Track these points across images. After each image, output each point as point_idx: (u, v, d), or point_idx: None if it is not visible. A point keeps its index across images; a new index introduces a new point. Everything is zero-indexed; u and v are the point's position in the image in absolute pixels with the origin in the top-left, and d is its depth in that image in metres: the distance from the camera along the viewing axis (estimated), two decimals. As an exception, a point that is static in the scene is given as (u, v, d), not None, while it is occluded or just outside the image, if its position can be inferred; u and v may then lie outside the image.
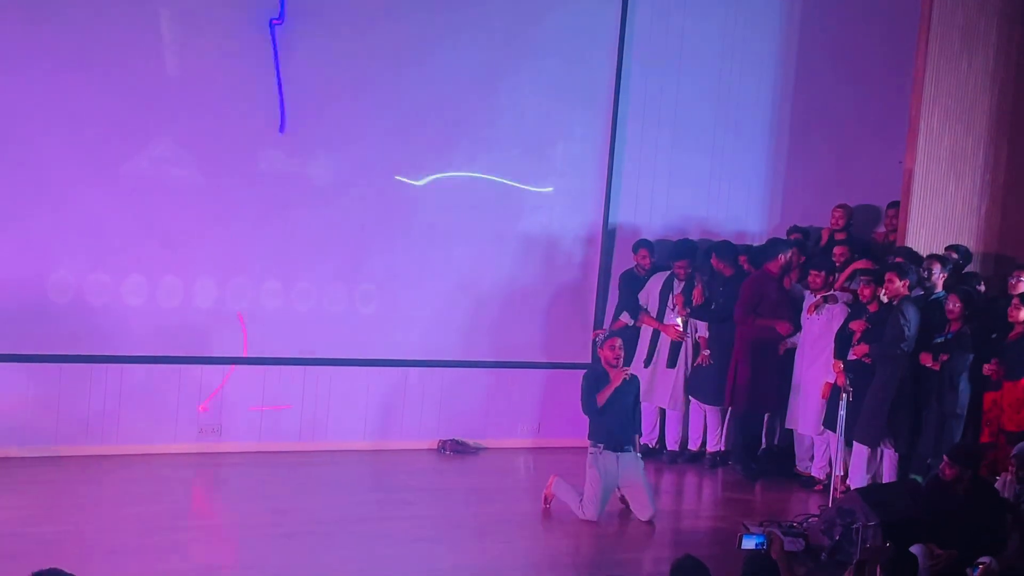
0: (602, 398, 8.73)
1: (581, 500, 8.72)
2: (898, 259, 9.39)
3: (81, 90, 9.10)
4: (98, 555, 7.15)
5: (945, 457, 7.70)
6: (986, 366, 8.63)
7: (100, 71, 9.16)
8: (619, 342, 8.91)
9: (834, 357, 9.49)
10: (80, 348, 9.33)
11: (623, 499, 8.93)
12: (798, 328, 10.01)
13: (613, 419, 8.77)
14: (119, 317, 9.41)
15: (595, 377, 8.90)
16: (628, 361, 10.32)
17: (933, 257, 9.40)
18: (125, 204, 9.35)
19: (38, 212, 9.12)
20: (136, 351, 9.49)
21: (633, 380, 8.93)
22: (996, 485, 7.84)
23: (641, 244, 10.67)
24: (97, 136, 9.21)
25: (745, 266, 10.34)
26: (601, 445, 8.76)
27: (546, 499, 8.90)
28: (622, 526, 8.73)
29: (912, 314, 8.93)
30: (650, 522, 8.69)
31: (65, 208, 9.18)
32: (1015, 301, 8.68)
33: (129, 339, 9.46)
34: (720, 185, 11.22)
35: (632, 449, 8.85)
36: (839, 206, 10.69)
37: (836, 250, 10.15)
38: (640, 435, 9.30)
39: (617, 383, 8.72)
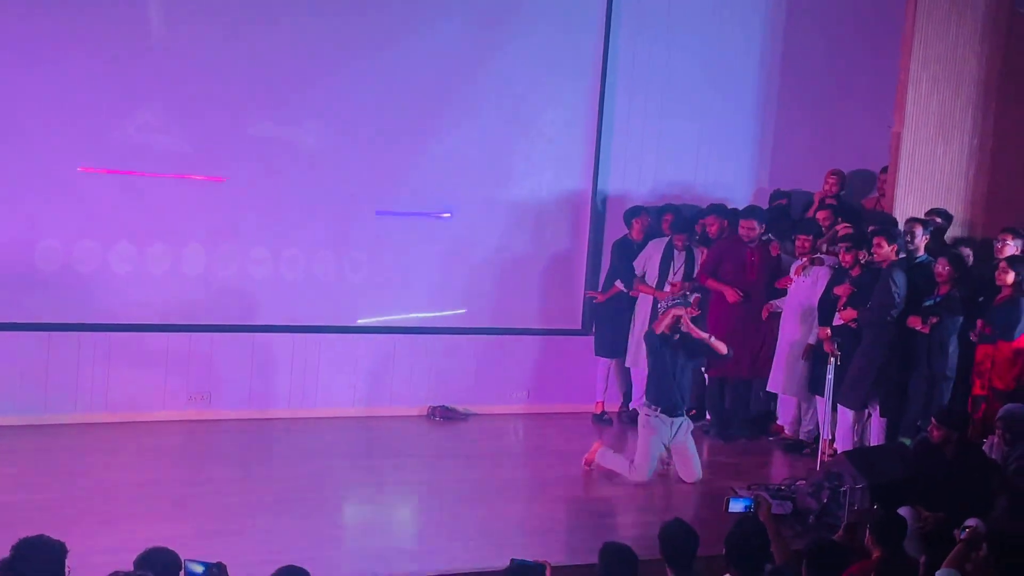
0: (658, 326, 8.84)
1: (632, 463, 8.79)
2: (870, 228, 9.40)
3: (67, 58, 9.04)
4: (87, 523, 7.14)
5: (933, 419, 7.71)
6: (972, 333, 8.65)
7: (87, 38, 9.09)
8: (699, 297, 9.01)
9: (818, 323, 9.49)
10: (68, 316, 9.31)
11: (665, 462, 9.00)
12: (771, 295, 10.00)
13: (674, 384, 8.82)
14: (107, 285, 9.39)
15: (658, 335, 8.94)
16: (626, 328, 10.36)
17: (914, 220, 9.38)
18: (112, 171, 9.28)
19: (25, 180, 9.07)
20: (125, 319, 9.46)
21: (694, 343, 8.92)
22: (983, 447, 7.85)
23: (636, 212, 10.59)
24: (84, 103, 9.15)
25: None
26: (658, 408, 8.82)
27: (587, 462, 8.98)
28: (610, 490, 8.75)
29: (901, 279, 8.93)
30: (694, 484, 8.85)
31: (53, 176, 9.13)
32: (1002, 265, 8.68)
33: (118, 307, 9.43)
34: (709, 151, 11.17)
35: (684, 414, 8.91)
36: (833, 172, 10.65)
37: (820, 214, 10.15)
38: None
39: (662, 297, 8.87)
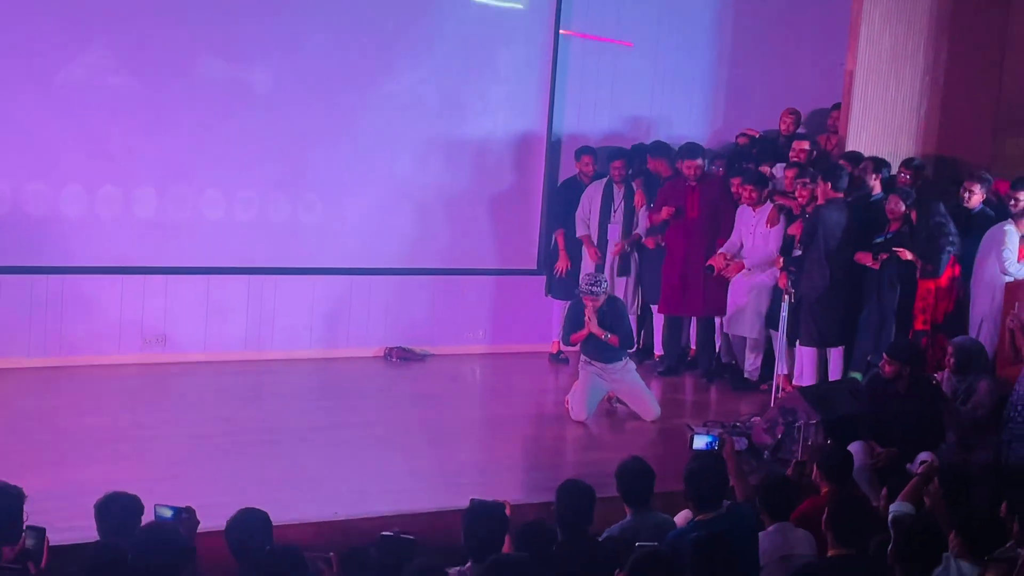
0: (576, 339, 8.92)
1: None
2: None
3: (12, -3, 8.86)
4: (44, 468, 7.07)
5: (885, 355, 7.78)
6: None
7: (31, -23, 8.92)
8: (592, 299, 8.77)
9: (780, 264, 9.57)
10: (19, 260, 9.19)
11: (617, 402, 9.08)
12: (717, 232, 10.01)
13: (596, 343, 8.86)
14: (58, 228, 9.26)
15: (577, 308, 9.01)
16: (577, 269, 10.34)
17: (868, 159, 9.44)
18: (61, 113, 9.14)
19: (-29, 123, 8.92)
20: (77, 262, 9.36)
21: (613, 303, 8.94)
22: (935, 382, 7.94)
23: (584, 151, 10.54)
24: (30, 43, 8.98)
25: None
26: (587, 357, 8.91)
27: (568, 403, 9.03)
28: (569, 430, 8.79)
29: (831, 218, 9.01)
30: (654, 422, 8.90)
31: (-1, 118, 8.99)
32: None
33: (69, 250, 9.32)
34: (663, 91, 11.14)
35: (621, 359, 8.95)
36: (789, 111, 10.65)
37: (788, 173, 10.11)
38: (632, 347, 9.41)
39: (590, 331, 8.79)
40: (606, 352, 8.88)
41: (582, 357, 9.01)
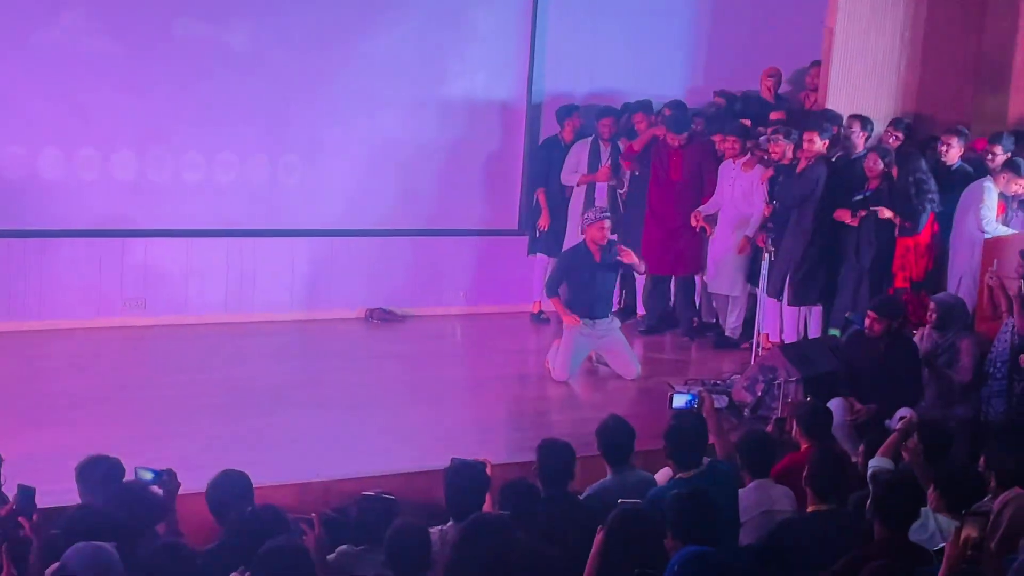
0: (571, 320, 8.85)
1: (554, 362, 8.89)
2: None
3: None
4: (23, 431, 7.04)
5: (872, 312, 7.78)
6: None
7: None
8: (608, 223, 8.84)
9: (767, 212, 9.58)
10: (-1, 224, 9.15)
11: (599, 361, 9.07)
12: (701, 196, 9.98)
13: (594, 294, 8.86)
14: (36, 191, 9.20)
15: (572, 256, 9.01)
16: (563, 224, 10.33)
17: (853, 117, 9.42)
18: (37, 75, 9.07)
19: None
20: (56, 225, 9.31)
21: (611, 250, 8.89)
22: (915, 339, 7.96)
23: (569, 111, 10.47)
24: (5, 6, 8.89)
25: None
26: (577, 315, 8.88)
27: (548, 364, 9.01)
28: (550, 389, 8.80)
29: (822, 173, 9.02)
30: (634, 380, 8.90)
31: (-26, 80, 8.91)
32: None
33: (48, 214, 9.27)
34: (644, 50, 11.05)
35: (607, 316, 8.94)
36: (770, 73, 10.58)
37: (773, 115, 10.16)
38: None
39: (571, 324, 8.81)
40: (598, 306, 8.84)
41: None
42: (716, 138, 9.97)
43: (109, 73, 9.27)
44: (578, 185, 10.40)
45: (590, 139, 10.37)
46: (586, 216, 9.08)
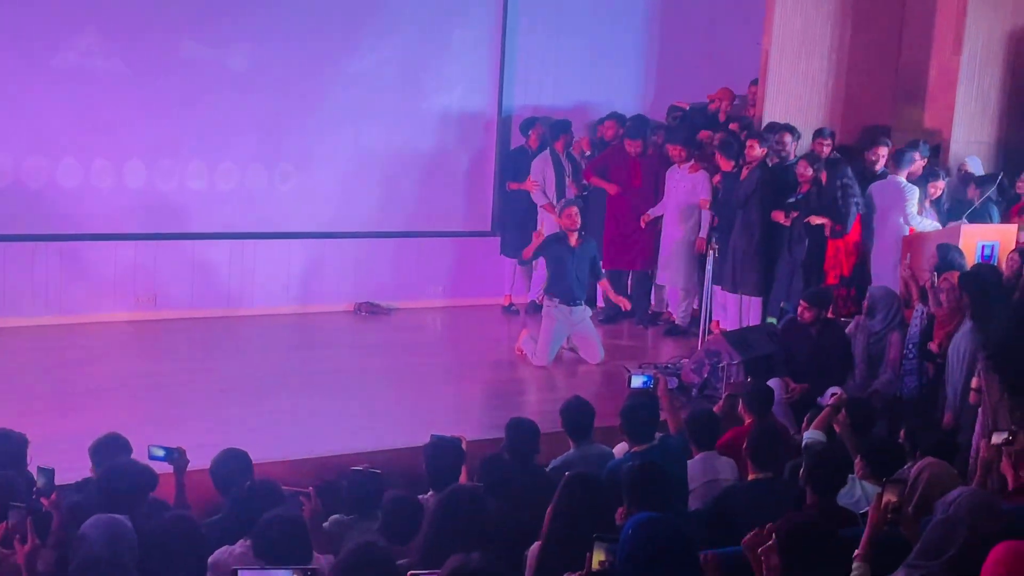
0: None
1: (535, 348, 8.85)
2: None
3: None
4: (48, 416, 7.02)
5: (803, 302, 7.83)
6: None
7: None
8: (575, 210, 8.90)
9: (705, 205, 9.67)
10: (22, 228, 9.09)
11: (570, 347, 9.06)
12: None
13: (571, 277, 8.83)
14: (56, 198, 9.16)
15: (555, 237, 9.06)
16: (531, 230, 10.29)
17: (784, 129, 9.47)
18: (58, 93, 9.03)
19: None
20: (74, 229, 9.26)
21: (589, 244, 8.97)
22: (849, 329, 7.97)
23: (531, 123, 10.48)
24: (29, 31, 8.87)
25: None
26: (557, 299, 8.84)
27: (518, 349, 9.02)
28: (521, 373, 8.82)
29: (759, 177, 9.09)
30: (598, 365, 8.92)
31: (1, 97, 8.84)
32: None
33: (67, 219, 9.22)
34: (601, 66, 11.09)
35: (582, 304, 8.94)
36: (723, 92, 10.58)
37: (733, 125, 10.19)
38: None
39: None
40: (575, 290, 8.83)
41: (547, 301, 8.96)
42: (668, 147, 10.00)
43: (122, 91, 9.23)
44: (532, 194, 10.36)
45: (547, 152, 10.31)
46: (557, 206, 9.32)
